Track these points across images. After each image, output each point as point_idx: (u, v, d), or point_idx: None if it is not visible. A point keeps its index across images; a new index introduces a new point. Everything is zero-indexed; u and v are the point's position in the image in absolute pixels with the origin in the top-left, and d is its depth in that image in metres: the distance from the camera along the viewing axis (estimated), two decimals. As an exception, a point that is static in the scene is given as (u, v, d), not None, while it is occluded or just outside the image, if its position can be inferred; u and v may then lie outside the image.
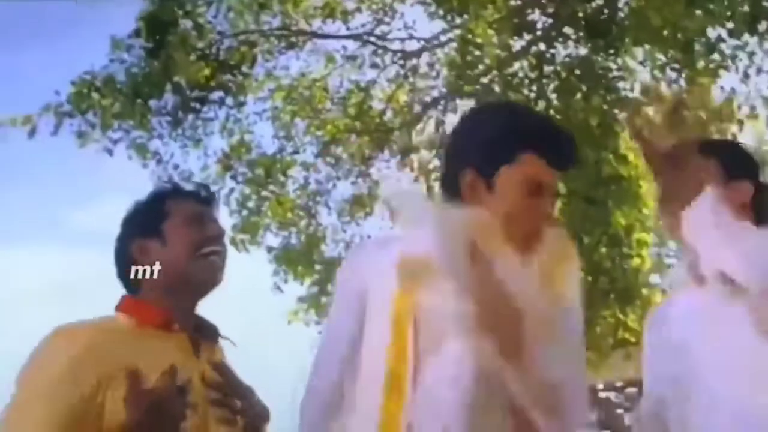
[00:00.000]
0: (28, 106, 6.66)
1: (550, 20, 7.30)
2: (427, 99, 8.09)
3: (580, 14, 6.94)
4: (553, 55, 7.42)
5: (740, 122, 6.99)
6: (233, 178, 7.75)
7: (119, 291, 1.76)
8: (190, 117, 7.13)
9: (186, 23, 6.60)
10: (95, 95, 6.41)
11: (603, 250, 6.58)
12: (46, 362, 1.54)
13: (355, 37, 7.95)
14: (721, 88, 6.93)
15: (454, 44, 7.52)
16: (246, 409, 1.67)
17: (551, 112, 7.24)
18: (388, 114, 8.18)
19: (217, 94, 7.29)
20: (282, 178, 7.93)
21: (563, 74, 7.31)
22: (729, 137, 7.30)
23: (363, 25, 7.93)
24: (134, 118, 6.57)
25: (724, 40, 6.32)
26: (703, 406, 1.61)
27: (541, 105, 7.36)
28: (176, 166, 7.16)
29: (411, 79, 8.07)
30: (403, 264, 1.51)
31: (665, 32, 6.12)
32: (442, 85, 7.93)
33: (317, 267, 8.11)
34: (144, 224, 1.74)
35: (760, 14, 5.80)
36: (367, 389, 1.50)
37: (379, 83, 8.14)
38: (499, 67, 7.21)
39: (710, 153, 1.76)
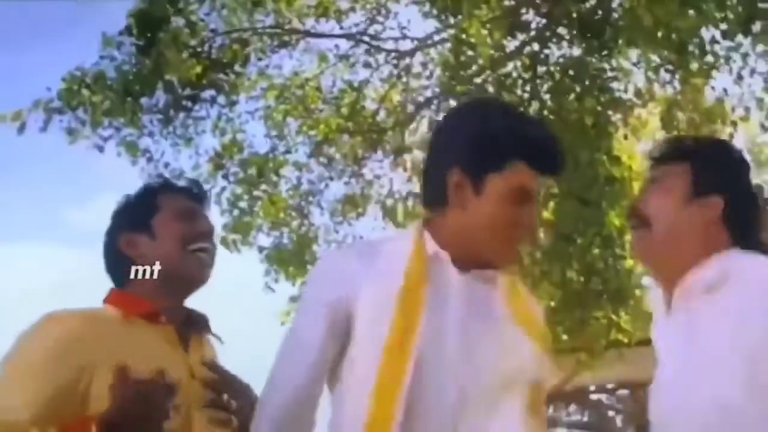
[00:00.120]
0: (27, 105, 6.60)
1: (543, 20, 7.28)
2: (421, 99, 8.06)
3: (574, 15, 6.93)
4: (546, 55, 7.41)
5: (734, 123, 7.00)
6: (225, 177, 7.72)
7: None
8: (182, 115, 7.10)
9: (178, 21, 6.56)
10: (85, 92, 6.38)
11: (596, 251, 6.56)
12: (33, 345, 1.54)
13: (348, 36, 7.93)
14: (713, 88, 6.96)
15: (447, 44, 7.51)
16: (242, 408, 1.64)
17: (545, 112, 7.24)
18: (381, 114, 8.15)
19: (209, 93, 7.27)
20: (274, 178, 7.89)
21: (557, 75, 7.30)
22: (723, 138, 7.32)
23: (356, 25, 7.92)
24: (125, 116, 6.53)
25: (718, 42, 6.33)
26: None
27: (534, 106, 7.36)
28: (167, 165, 7.13)
29: (404, 79, 8.05)
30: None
31: (659, 33, 6.12)
32: (435, 85, 7.92)
33: (309, 267, 8.07)
34: (133, 218, 1.74)
35: (754, 15, 5.80)
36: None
37: (372, 83, 8.13)
38: (493, 68, 7.20)
39: (684, 157, 1.72)
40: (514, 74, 7.55)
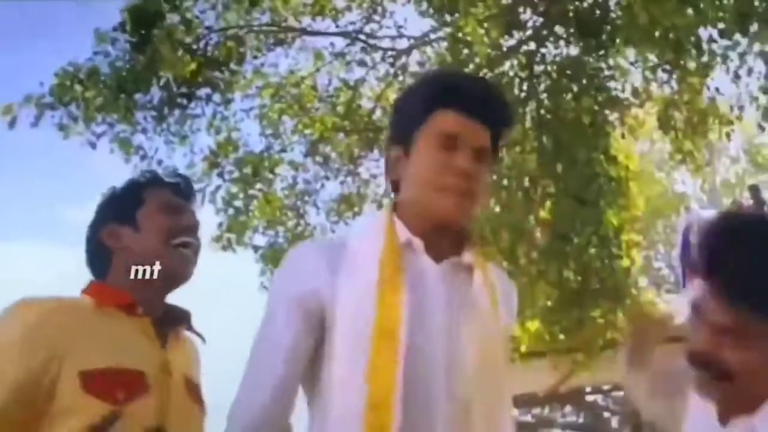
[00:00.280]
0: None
1: (540, 19, 7.26)
2: (417, 98, 8.02)
3: (571, 13, 6.92)
4: (543, 54, 7.39)
5: (731, 122, 6.99)
6: (220, 175, 7.68)
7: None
8: (176, 112, 7.06)
9: (173, 17, 6.52)
10: (78, 87, 6.34)
11: (592, 250, 6.54)
12: (2, 331, 1.51)
13: (344, 34, 7.91)
14: (708, 88, 6.94)
15: (444, 43, 7.48)
16: None
17: (542, 111, 7.22)
18: (378, 113, 8.12)
19: (204, 91, 7.22)
20: (270, 176, 7.86)
21: (554, 74, 7.28)
22: (721, 138, 7.31)
23: (352, 23, 7.90)
24: (118, 112, 6.50)
25: (715, 41, 6.31)
26: None
27: (531, 105, 7.34)
28: (160, 162, 7.09)
29: (400, 78, 8.02)
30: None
31: (657, 33, 6.10)
32: (431, 84, 7.87)
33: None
34: (118, 210, 1.71)
35: (751, 13, 5.78)
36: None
37: (369, 81, 8.11)
38: (490, 66, 7.17)
39: None
40: (511, 73, 7.53)
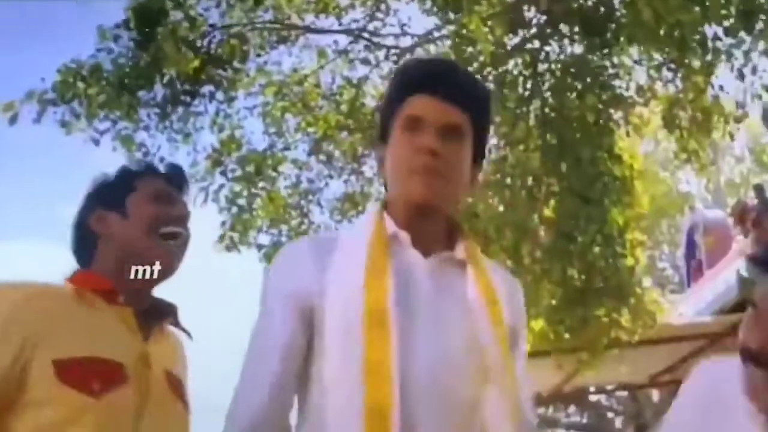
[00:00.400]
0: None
1: (544, 17, 7.24)
2: (420, 96, 7.99)
3: (575, 11, 6.89)
4: (547, 52, 7.37)
5: (737, 120, 6.96)
6: (223, 174, 7.66)
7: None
8: (180, 110, 7.04)
9: (177, 15, 6.51)
10: (81, 84, 6.33)
11: (597, 249, 6.52)
12: None
13: (347, 32, 7.89)
14: (712, 86, 6.92)
15: (447, 41, 7.46)
16: None
17: (546, 110, 7.20)
18: (381, 111, 8.09)
19: (207, 88, 7.21)
20: (273, 174, 7.85)
21: (558, 72, 7.26)
22: (724, 136, 7.29)
23: (356, 21, 7.88)
24: (121, 109, 6.49)
25: (720, 38, 6.28)
26: None
27: (535, 103, 7.32)
28: (162, 159, 7.07)
29: (404, 76, 7.98)
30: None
31: (661, 31, 6.08)
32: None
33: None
34: (107, 196, 1.68)
35: (756, 10, 5.76)
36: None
37: (372, 80, 8.08)
38: (494, 64, 7.15)
39: None
40: (515, 72, 7.51)
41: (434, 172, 1.47)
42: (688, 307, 8.76)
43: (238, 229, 7.76)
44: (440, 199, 1.50)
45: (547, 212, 6.93)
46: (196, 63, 6.75)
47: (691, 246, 11.72)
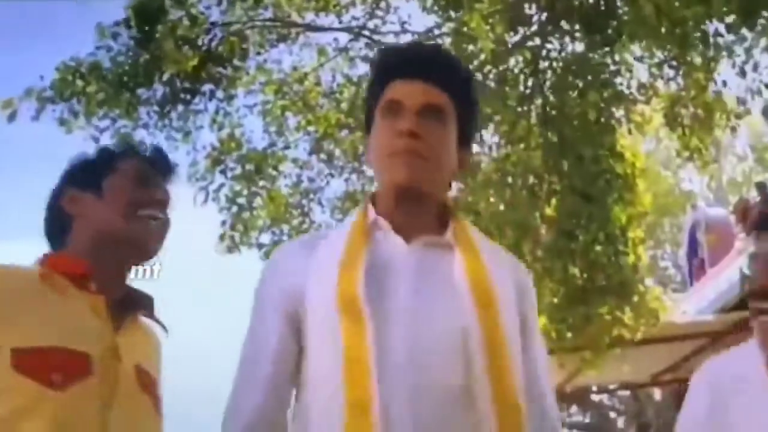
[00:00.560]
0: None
1: (545, 14, 7.22)
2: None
3: (576, 8, 6.87)
4: (548, 50, 7.35)
5: (738, 116, 6.94)
6: (223, 173, 7.64)
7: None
8: (179, 108, 7.02)
9: (176, 13, 6.49)
10: (80, 82, 6.30)
11: (599, 248, 6.49)
12: None
13: (348, 30, 7.86)
14: (715, 82, 6.90)
15: (448, 39, 7.43)
16: None
17: (547, 108, 7.18)
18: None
19: (207, 87, 7.19)
20: (273, 173, 7.82)
21: (559, 70, 7.24)
22: (724, 131, 7.28)
23: (356, 19, 7.85)
24: (120, 107, 6.46)
25: (721, 35, 6.26)
26: None
27: (537, 101, 7.30)
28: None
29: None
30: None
31: (663, 28, 6.05)
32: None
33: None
34: (83, 177, 1.59)
35: (758, 7, 5.73)
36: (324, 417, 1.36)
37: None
38: (494, 62, 7.13)
39: None
40: (516, 69, 7.48)
41: (415, 154, 1.45)
42: (690, 306, 8.74)
43: (238, 229, 7.74)
44: (423, 182, 1.47)
45: (549, 211, 6.90)
46: (196, 61, 6.73)
47: (693, 244, 11.70)
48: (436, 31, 7.64)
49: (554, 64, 7.31)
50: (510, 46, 7.32)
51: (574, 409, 15.46)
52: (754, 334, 1.66)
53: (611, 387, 11.76)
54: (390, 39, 7.88)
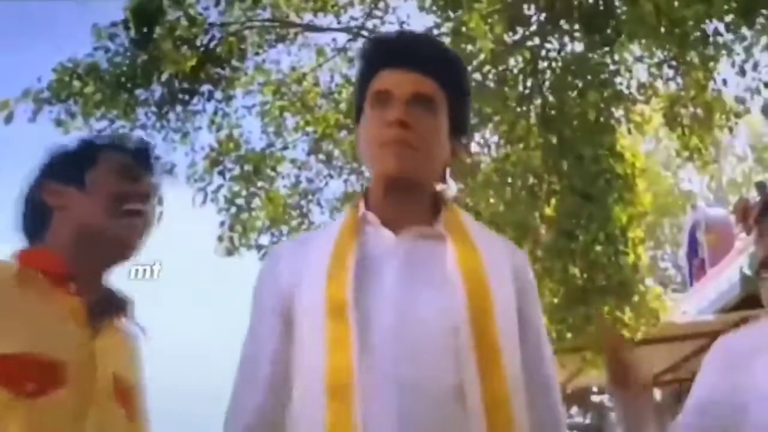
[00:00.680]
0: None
1: (544, 14, 7.20)
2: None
3: (575, 8, 6.85)
4: (547, 50, 7.34)
5: (738, 115, 6.93)
6: (221, 174, 7.63)
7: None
8: (178, 109, 7.01)
9: (175, 13, 6.48)
10: (77, 83, 6.29)
11: (599, 248, 6.48)
12: None
13: (346, 30, 7.85)
14: (715, 81, 6.89)
15: (447, 38, 7.41)
16: None
17: (546, 108, 7.17)
18: (381, 110, 8.04)
19: (205, 87, 7.17)
20: (272, 174, 7.81)
21: (558, 70, 7.22)
22: (722, 130, 7.27)
23: (354, 19, 7.85)
24: (118, 108, 6.45)
25: (721, 34, 6.25)
26: None
27: (536, 101, 7.29)
28: (157, 158, 7.01)
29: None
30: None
31: (662, 27, 6.04)
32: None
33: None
34: (65, 169, 1.52)
35: (757, 5, 5.71)
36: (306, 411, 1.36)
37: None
38: (494, 62, 7.12)
39: None
40: (515, 70, 7.47)
41: (405, 144, 1.43)
42: (690, 306, 8.73)
43: (237, 230, 7.72)
44: (413, 172, 1.45)
45: (549, 211, 6.89)
46: (194, 62, 6.72)
47: (693, 244, 11.69)
48: (435, 31, 7.62)
49: (553, 64, 7.30)
50: (509, 45, 7.31)
51: (574, 409, 15.43)
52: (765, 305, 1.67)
53: (612, 387, 11.72)
54: (389, 39, 7.87)
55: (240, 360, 1.49)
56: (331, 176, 8.15)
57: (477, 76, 7.28)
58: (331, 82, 8.01)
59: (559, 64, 7.24)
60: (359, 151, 1.55)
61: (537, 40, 7.35)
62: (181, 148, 7.31)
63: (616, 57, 7.07)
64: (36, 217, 1.51)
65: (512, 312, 1.42)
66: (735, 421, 1.61)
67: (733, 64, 6.51)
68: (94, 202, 1.48)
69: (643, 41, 6.60)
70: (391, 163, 1.43)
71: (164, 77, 6.65)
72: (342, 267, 1.38)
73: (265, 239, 7.86)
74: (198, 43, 6.87)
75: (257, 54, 7.59)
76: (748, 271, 6.90)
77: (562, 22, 7.14)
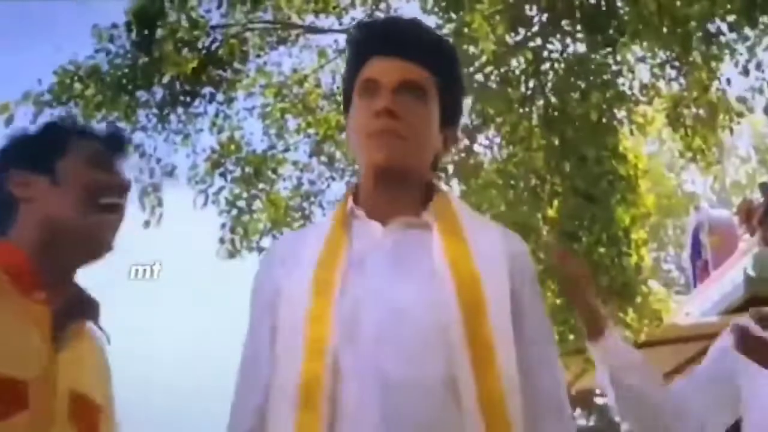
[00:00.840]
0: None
1: (546, 15, 7.19)
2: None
3: (577, 8, 6.84)
4: (550, 50, 7.32)
5: (740, 115, 6.91)
6: (222, 175, 7.62)
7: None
8: (179, 111, 7.02)
9: (176, 15, 6.48)
10: (78, 85, 6.29)
11: (601, 249, 6.46)
12: None
13: (348, 31, 7.84)
14: (719, 80, 6.87)
15: (449, 40, 7.41)
16: None
17: (549, 109, 7.15)
18: (383, 111, 8.04)
19: (206, 89, 7.18)
20: (273, 176, 7.80)
21: (560, 71, 7.21)
22: (724, 130, 7.25)
23: (356, 20, 7.83)
24: (119, 110, 6.45)
25: (724, 34, 6.24)
26: None
27: (538, 102, 7.28)
28: (159, 160, 7.04)
29: (405, 76, 7.94)
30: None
31: (665, 28, 6.03)
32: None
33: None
34: (33, 156, 1.38)
35: (760, 6, 5.70)
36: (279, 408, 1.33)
37: (373, 79, 8.02)
38: (496, 63, 7.11)
39: None
40: (517, 71, 7.45)
41: (393, 134, 1.39)
42: (694, 308, 8.69)
43: (238, 232, 7.71)
44: (401, 161, 1.41)
45: (551, 212, 6.87)
46: (195, 64, 6.72)
47: (696, 246, 11.65)
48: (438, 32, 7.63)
49: (556, 64, 7.29)
50: (511, 46, 7.29)
51: (577, 412, 15.40)
52: None
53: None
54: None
55: (241, 359, 1.47)
56: (333, 178, 8.14)
57: (479, 77, 7.27)
58: (333, 84, 8.00)
59: (562, 65, 7.23)
60: (348, 141, 1.53)
61: (539, 41, 7.34)
62: (183, 150, 7.34)
63: (619, 57, 7.06)
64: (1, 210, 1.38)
65: (505, 303, 1.36)
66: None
67: (736, 64, 6.50)
68: (65, 194, 1.35)
69: (646, 41, 6.59)
70: (379, 154, 1.39)
71: (165, 79, 6.65)
72: (329, 264, 1.36)
73: (266, 242, 7.85)
74: (199, 45, 6.87)
75: (258, 56, 7.61)
76: (751, 273, 6.88)
77: (564, 22, 7.13)
